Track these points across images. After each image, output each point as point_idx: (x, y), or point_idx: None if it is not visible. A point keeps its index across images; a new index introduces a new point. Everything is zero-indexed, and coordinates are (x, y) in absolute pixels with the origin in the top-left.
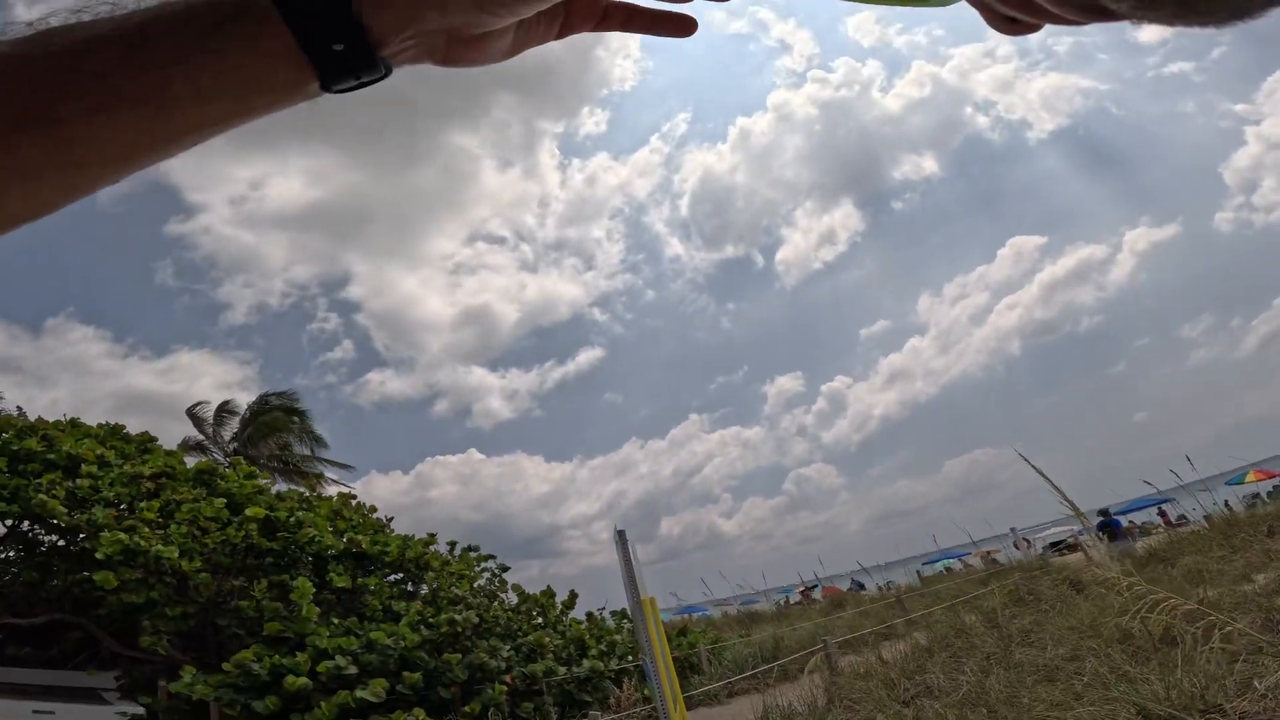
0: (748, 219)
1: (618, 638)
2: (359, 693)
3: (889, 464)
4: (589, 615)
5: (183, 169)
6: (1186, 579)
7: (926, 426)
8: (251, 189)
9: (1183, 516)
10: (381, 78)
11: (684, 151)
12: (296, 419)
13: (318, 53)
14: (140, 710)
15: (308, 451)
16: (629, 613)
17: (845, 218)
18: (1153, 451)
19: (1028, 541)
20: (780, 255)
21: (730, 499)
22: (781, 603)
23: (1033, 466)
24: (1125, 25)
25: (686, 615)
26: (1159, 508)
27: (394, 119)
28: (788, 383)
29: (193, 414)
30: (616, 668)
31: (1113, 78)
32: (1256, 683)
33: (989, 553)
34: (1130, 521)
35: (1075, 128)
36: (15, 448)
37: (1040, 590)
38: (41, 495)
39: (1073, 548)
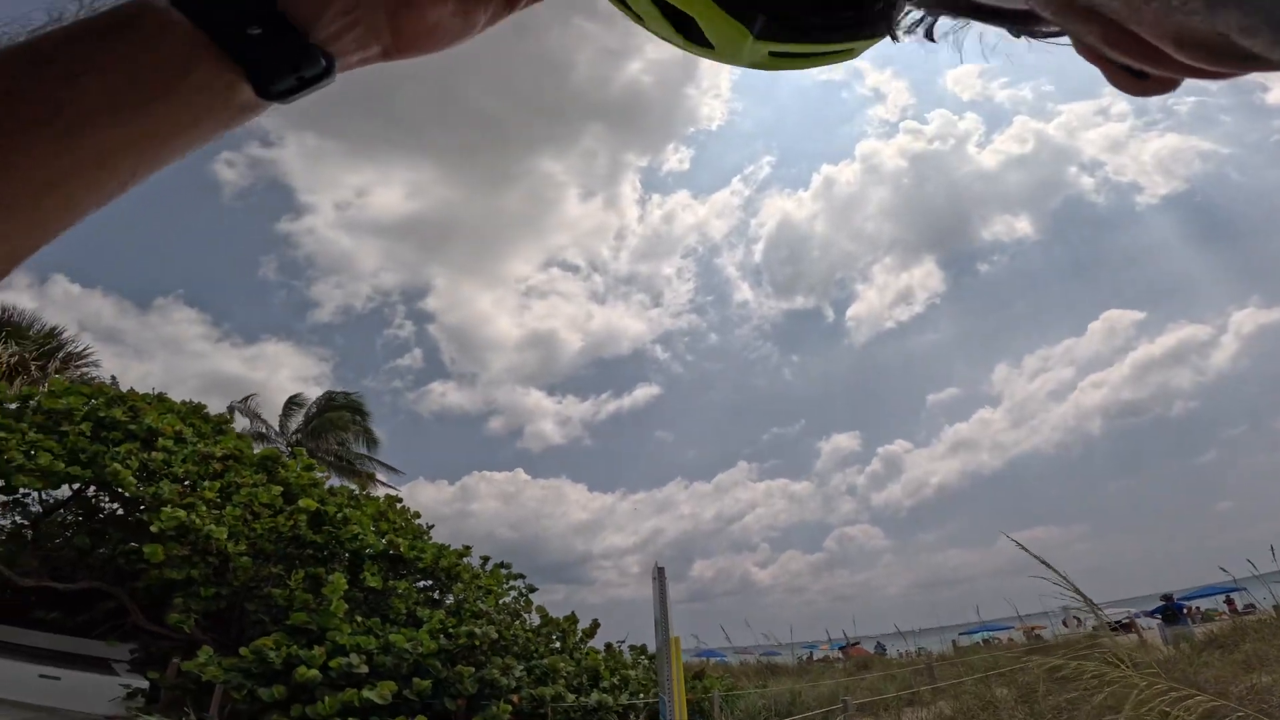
0: (822, 270)
1: (632, 673)
2: (366, 693)
3: (940, 532)
4: (608, 646)
5: (300, 171)
6: (1242, 665)
7: (986, 499)
8: (357, 195)
9: (1250, 605)
10: (324, 73)
11: (764, 196)
12: (358, 418)
13: (232, 41)
14: (144, 684)
15: (363, 451)
16: (656, 648)
17: (925, 277)
18: (1232, 541)
19: (1078, 620)
20: (852, 311)
21: (768, 549)
22: (804, 658)
23: (1025, 549)
24: (1254, 84)
25: (704, 659)
26: (1227, 596)
27: (489, 140)
28: (844, 441)
29: (239, 407)
30: (625, 703)
31: (1235, 141)
32: None
33: (1033, 628)
34: (1195, 607)
35: (1191, 193)
36: (101, 415)
37: (1084, 668)
38: (116, 464)
39: (1127, 628)
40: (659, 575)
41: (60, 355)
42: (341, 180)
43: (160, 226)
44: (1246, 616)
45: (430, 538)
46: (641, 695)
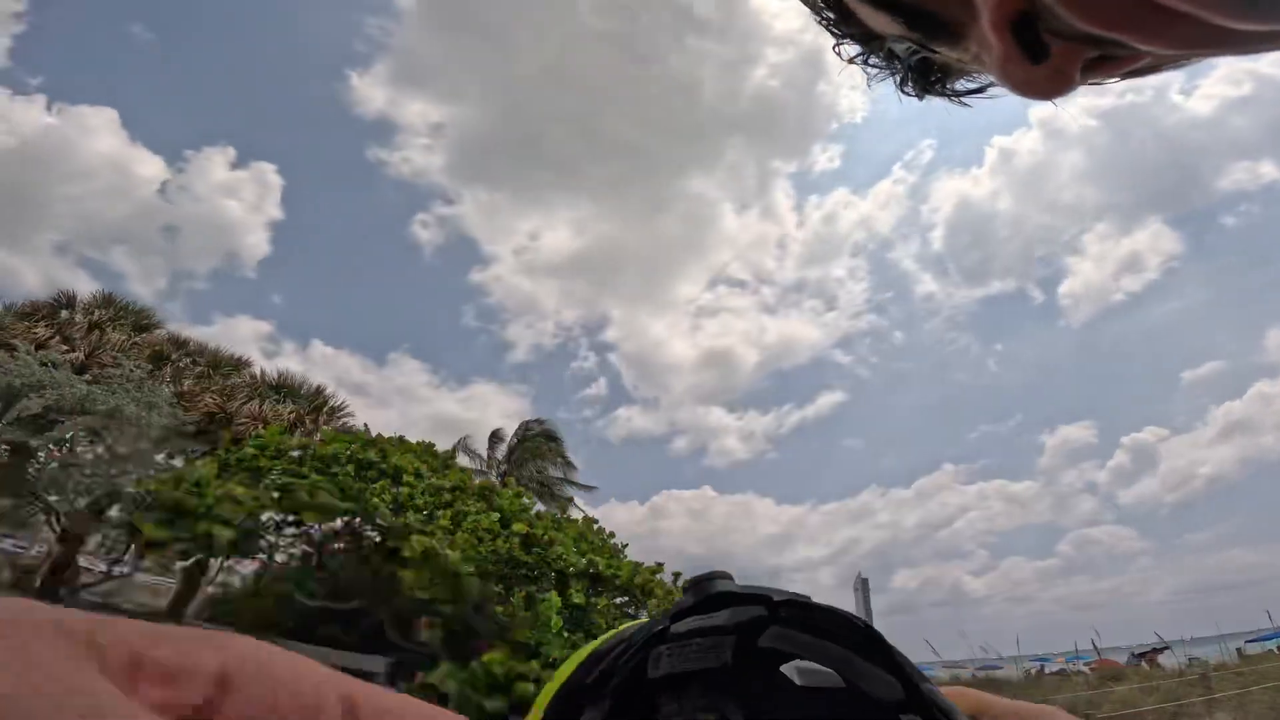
0: (1017, 249)
1: None
2: None
3: (1217, 529)
4: None
5: (479, 223)
6: None
7: (1278, 488)
8: (530, 239)
9: None
10: None
11: (932, 179)
12: (553, 445)
13: None
14: None
15: (560, 475)
16: None
17: (1155, 239)
18: None
19: None
20: (1065, 287)
21: (986, 556)
22: (1031, 671)
23: None
24: None
25: None
26: None
27: (637, 170)
28: (1075, 433)
29: (463, 445)
30: None
31: None
32: None
33: None
34: None
35: None
36: (360, 457)
37: None
38: (375, 499)
39: None
40: (862, 586)
41: (325, 410)
42: (514, 227)
43: (382, 289)
44: None
45: (625, 556)
46: None
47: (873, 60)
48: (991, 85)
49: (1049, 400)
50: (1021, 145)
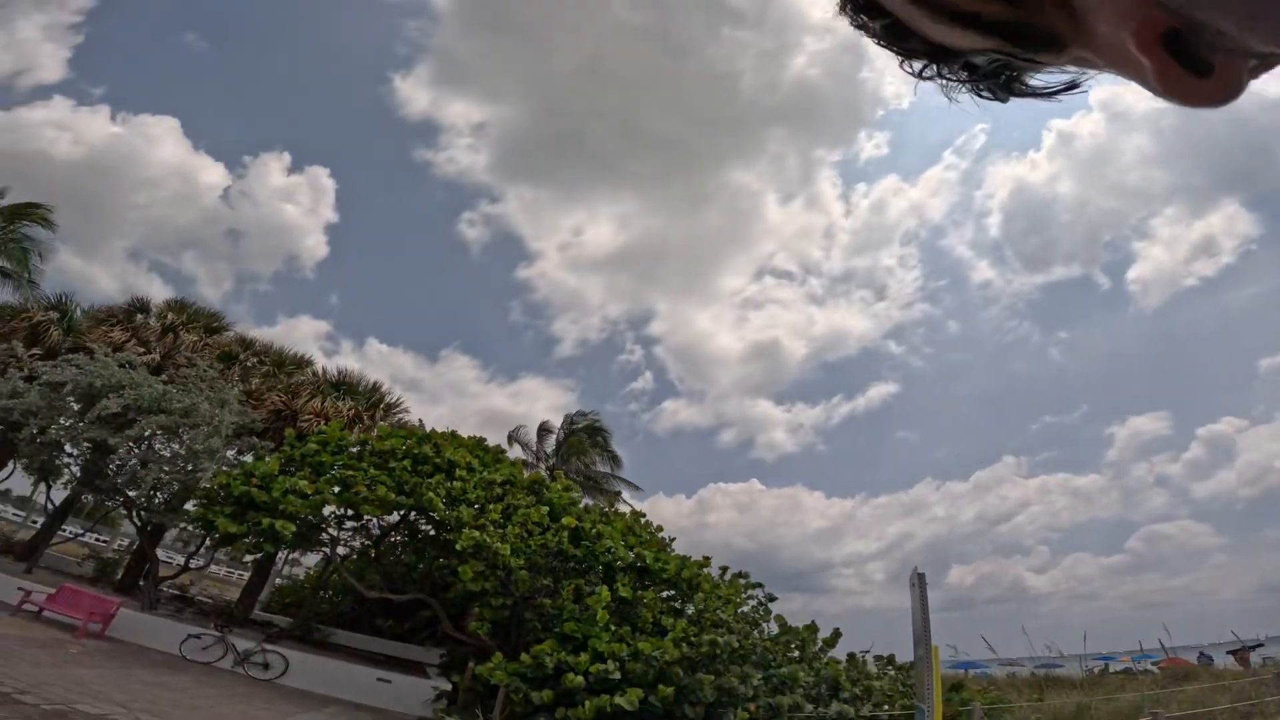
0: (1081, 234)
1: (877, 684)
2: (617, 699)
3: None
4: (849, 656)
5: (524, 221)
6: None
7: None
8: (574, 235)
9: None
10: None
11: (986, 164)
12: (600, 438)
13: None
14: (448, 687)
15: (607, 469)
16: (915, 656)
17: (1229, 222)
18: None
19: None
20: (1134, 273)
21: (1047, 552)
22: (1094, 670)
23: None
24: None
25: (962, 670)
26: None
27: (678, 163)
28: (1146, 424)
29: (514, 436)
30: (869, 715)
31: None
32: None
33: None
34: None
35: None
36: (415, 452)
37: None
38: (430, 493)
39: None
40: (919, 581)
41: (382, 406)
42: (558, 224)
43: (433, 287)
44: None
45: (672, 550)
46: (886, 707)
47: (944, 73)
48: (1081, 80)
49: (1118, 390)
50: (1081, 128)
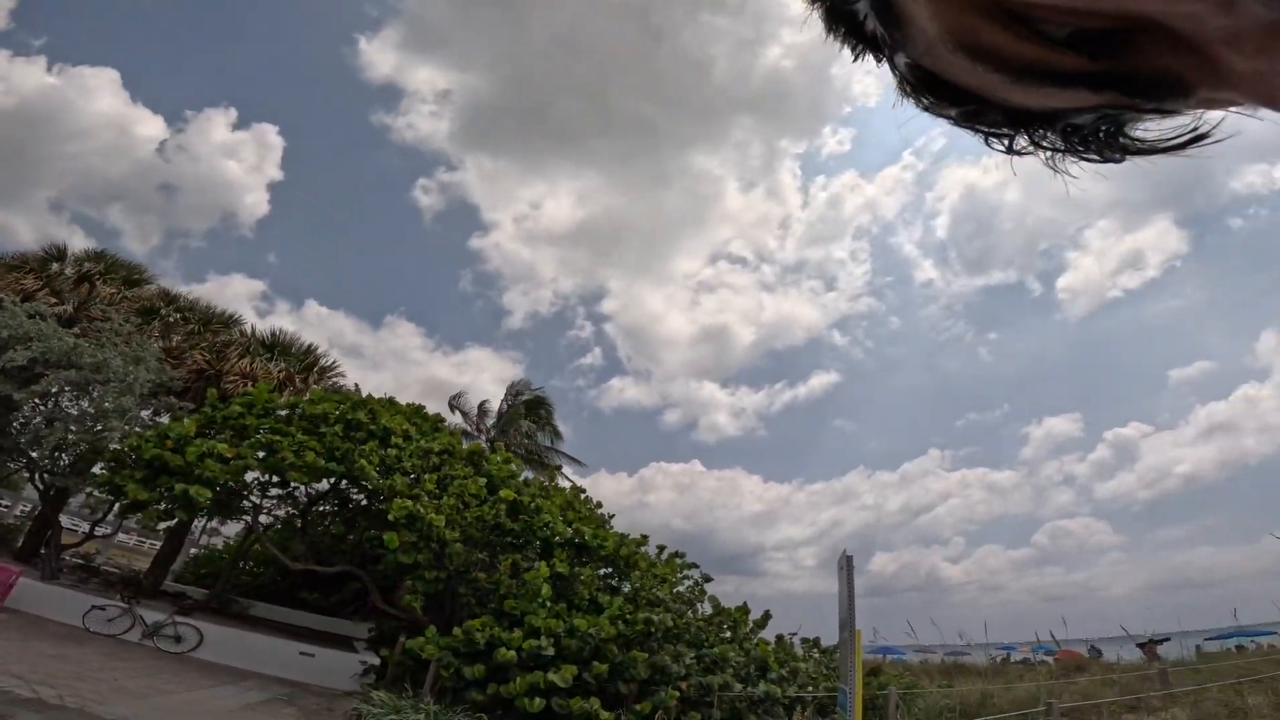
0: (1020, 241)
1: (802, 665)
2: (550, 675)
3: (1188, 527)
4: (778, 638)
5: (481, 190)
6: None
7: (1252, 490)
8: (531, 208)
9: None
10: None
11: (941, 167)
12: (543, 412)
13: None
14: (376, 661)
15: (549, 443)
16: (840, 639)
17: (1159, 238)
18: None
19: None
20: (1064, 281)
21: (962, 543)
22: (998, 659)
23: None
24: None
25: (881, 655)
26: None
27: (645, 144)
28: (1060, 425)
29: (454, 404)
30: (794, 695)
31: None
32: None
33: None
34: None
35: None
36: (349, 418)
37: None
38: (363, 460)
39: None
40: (847, 564)
41: (316, 369)
42: (517, 195)
43: (381, 253)
44: None
45: (611, 527)
46: (810, 688)
47: (1041, 140)
48: (1204, 127)
49: (1037, 392)
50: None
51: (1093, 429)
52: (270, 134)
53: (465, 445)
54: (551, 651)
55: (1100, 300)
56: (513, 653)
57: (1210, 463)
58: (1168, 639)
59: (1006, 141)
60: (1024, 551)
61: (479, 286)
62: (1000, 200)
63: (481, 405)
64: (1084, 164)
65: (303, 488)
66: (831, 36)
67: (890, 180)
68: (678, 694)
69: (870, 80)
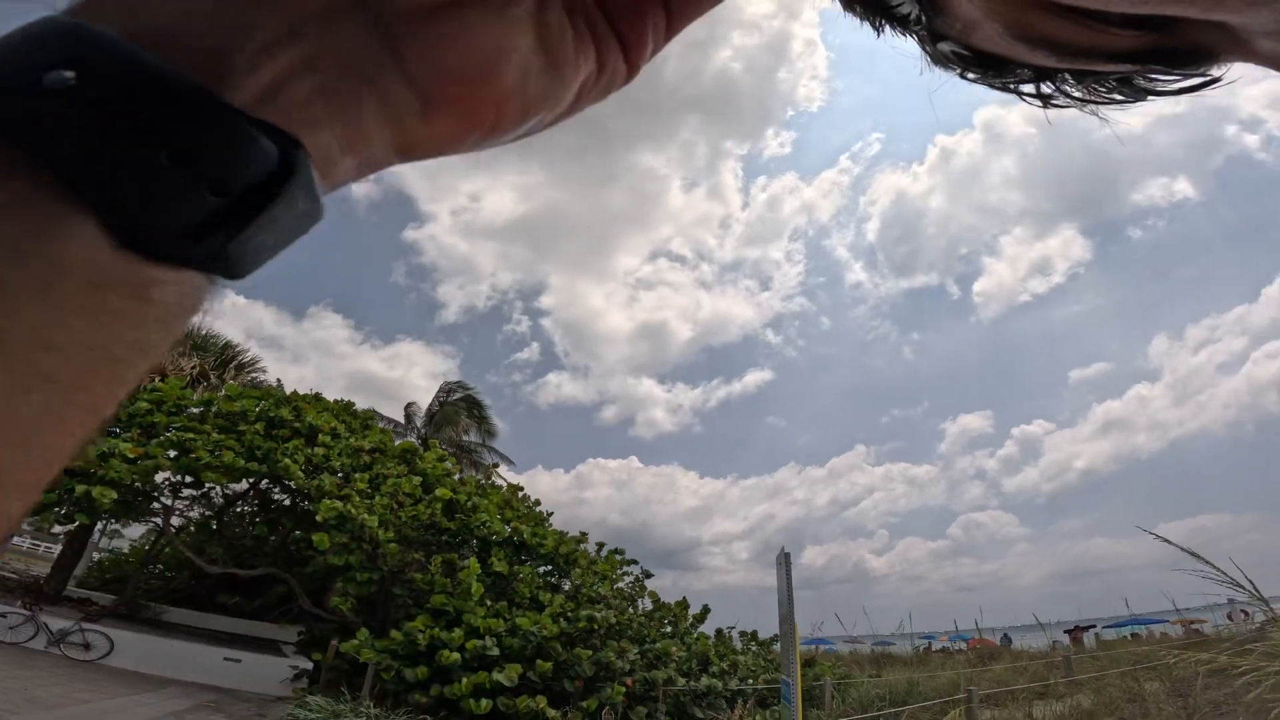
0: (943, 246)
1: (741, 658)
2: (496, 675)
3: (1086, 519)
4: (718, 632)
5: (420, 181)
6: None
7: (1143, 483)
8: (471, 201)
9: None
10: (281, 180)
11: (875, 173)
12: (476, 411)
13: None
14: (309, 665)
15: (481, 441)
16: (780, 632)
17: (1065, 246)
18: None
19: (1245, 614)
20: (979, 286)
21: (886, 536)
22: (921, 648)
23: (1169, 542)
24: None
25: (814, 647)
26: None
27: (592, 140)
28: (973, 421)
29: (387, 402)
30: (735, 688)
31: None
32: None
33: (1191, 622)
34: None
35: None
36: (271, 415)
37: (1243, 663)
38: (287, 459)
39: None
40: (785, 560)
41: (233, 364)
42: (457, 188)
43: (306, 240)
44: None
45: (550, 525)
46: (751, 681)
47: (1067, 89)
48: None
49: (954, 389)
50: (962, 146)
51: (1002, 426)
52: None
53: (398, 443)
54: (496, 651)
55: (1011, 304)
56: (456, 654)
57: (1105, 458)
58: (1093, 625)
59: (1039, 98)
60: (941, 543)
61: (413, 279)
62: (926, 206)
63: (408, 406)
64: (1106, 108)
65: (219, 488)
66: (851, 13)
67: (827, 183)
68: (624, 690)
69: (816, 85)
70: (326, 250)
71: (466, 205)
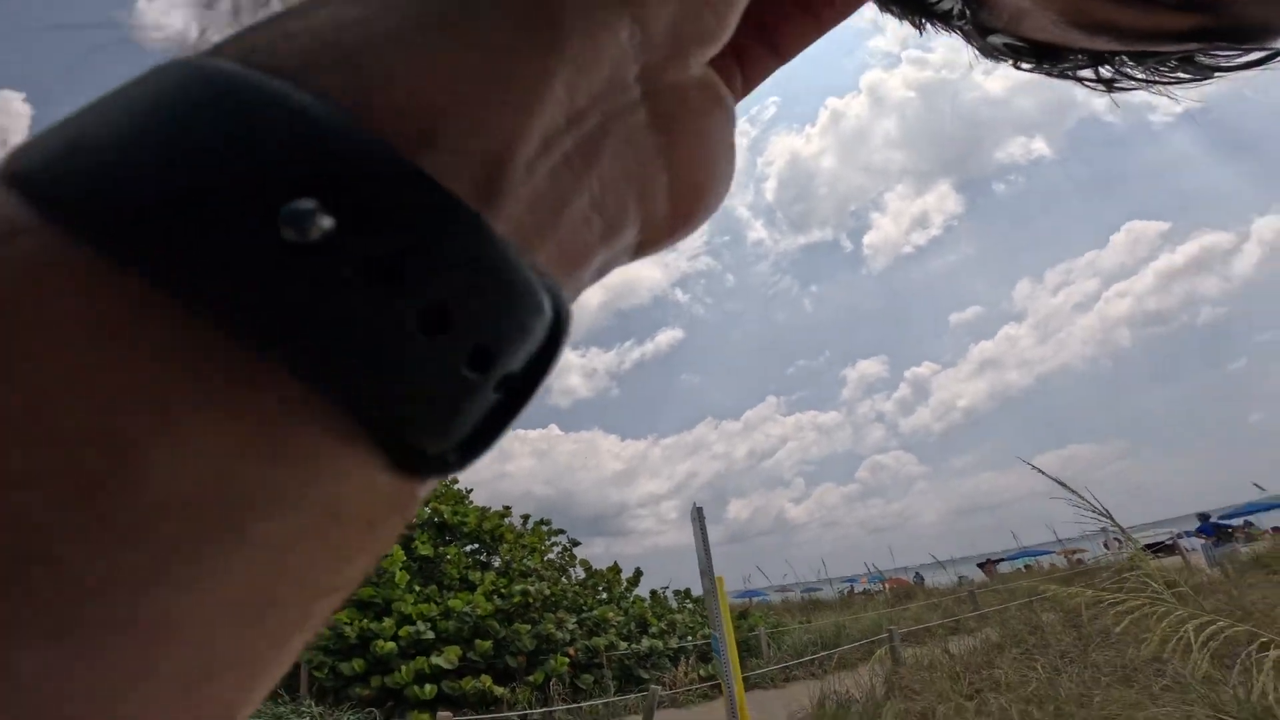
0: (834, 203)
1: (678, 617)
2: (435, 659)
3: (973, 455)
4: (652, 593)
5: None
6: None
7: (1018, 418)
8: None
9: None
10: (553, 341)
11: (771, 135)
12: None
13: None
14: None
15: None
16: (703, 589)
17: (941, 200)
18: (1268, 454)
19: (1119, 542)
20: (869, 239)
21: (803, 484)
22: (845, 592)
23: (1043, 473)
24: None
25: (747, 599)
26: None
27: None
28: (870, 367)
29: None
30: (676, 646)
31: None
32: None
33: (1074, 552)
34: (1246, 522)
35: (1206, 111)
36: None
37: (1120, 595)
38: None
39: (1171, 550)
40: (698, 515)
41: None
42: None
43: None
44: None
45: (471, 502)
46: (690, 637)
47: (1127, 72)
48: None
49: (851, 338)
50: (850, 109)
51: (895, 369)
52: (14, 101)
53: None
54: (431, 636)
55: (896, 255)
56: (392, 643)
57: (983, 395)
58: (1005, 558)
59: (1102, 83)
60: (852, 487)
61: None
62: (818, 166)
63: None
64: (1169, 87)
65: None
66: (889, 13)
67: None
68: (567, 660)
69: None
70: None
71: None
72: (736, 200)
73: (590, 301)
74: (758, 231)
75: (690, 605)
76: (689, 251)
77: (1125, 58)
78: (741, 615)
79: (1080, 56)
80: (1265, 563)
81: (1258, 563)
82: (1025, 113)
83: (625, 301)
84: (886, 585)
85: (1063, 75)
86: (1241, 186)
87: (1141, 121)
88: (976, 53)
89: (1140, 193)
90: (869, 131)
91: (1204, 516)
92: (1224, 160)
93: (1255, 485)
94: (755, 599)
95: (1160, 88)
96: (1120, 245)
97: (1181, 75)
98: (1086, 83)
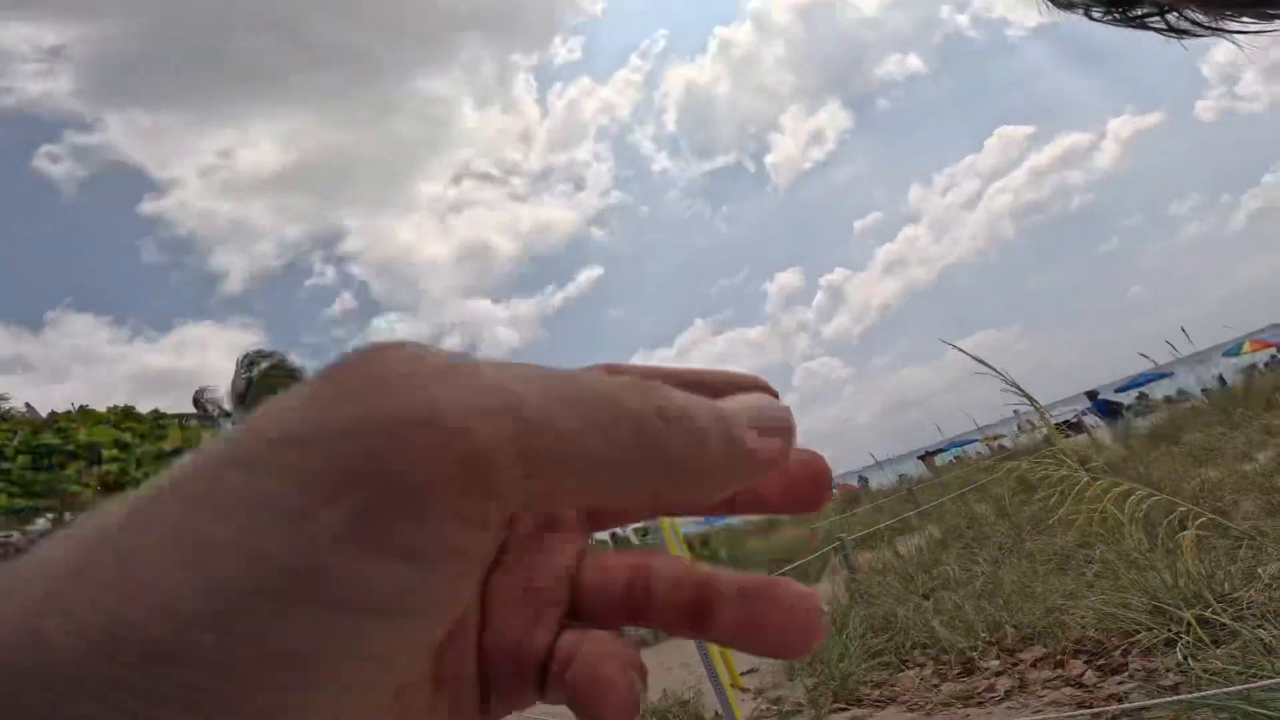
0: (734, 128)
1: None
2: None
3: (893, 352)
4: (612, 535)
5: (141, 150)
6: (1191, 457)
7: (927, 312)
8: (222, 158)
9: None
10: None
11: (665, 67)
12: (294, 374)
13: None
14: None
15: None
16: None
17: (832, 118)
18: (1149, 326)
19: (1031, 424)
20: (770, 159)
21: None
22: None
23: (965, 353)
24: None
25: (709, 525)
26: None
27: (361, 74)
28: (788, 279)
29: (200, 398)
30: None
31: None
32: (1260, 570)
33: (995, 438)
34: (1141, 394)
35: (1057, 25)
36: (34, 444)
37: (1045, 474)
38: (75, 485)
39: (1076, 428)
40: None
41: None
42: (196, 148)
43: (15, 241)
44: (1180, 405)
45: None
46: None
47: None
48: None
49: (767, 253)
50: (738, 36)
51: (811, 278)
52: None
53: (208, 436)
54: None
55: (798, 172)
56: None
57: (894, 293)
58: (942, 449)
59: (1172, 31)
60: (790, 397)
61: (170, 254)
62: (714, 94)
63: (198, 393)
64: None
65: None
66: None
67: (621, 82)
68: None
69: None
70: (44, 246)
71: (218, 163)
72: (638, 134)
73: (504, 252)
74: (663, 162)
75: (651, 541)
76: (598, 189)
77: (1193, 6)
78: (703, 542)
79: (1148, 5)
80: (1164, 434)
81: (1157, 435)
82: (898, 31)
83: (541, 246)
84: (837, 491)
85: (1133, 24)
86: (1095, 92)
87: (999, 36)
88: (1048, 4)
89: (1006, 101)
90: (758, 56)
91: (1092, 394)
92: (1078, 70)
93: (1142, 355)
94: (718, 523)
95: (1229, 35)
96: (994, 148)
97: (1248, 20)
98: (1157, 30)
